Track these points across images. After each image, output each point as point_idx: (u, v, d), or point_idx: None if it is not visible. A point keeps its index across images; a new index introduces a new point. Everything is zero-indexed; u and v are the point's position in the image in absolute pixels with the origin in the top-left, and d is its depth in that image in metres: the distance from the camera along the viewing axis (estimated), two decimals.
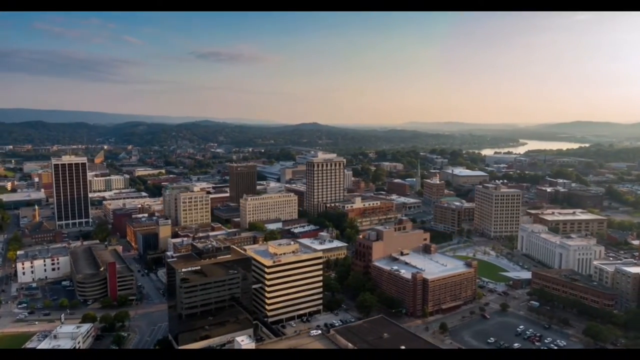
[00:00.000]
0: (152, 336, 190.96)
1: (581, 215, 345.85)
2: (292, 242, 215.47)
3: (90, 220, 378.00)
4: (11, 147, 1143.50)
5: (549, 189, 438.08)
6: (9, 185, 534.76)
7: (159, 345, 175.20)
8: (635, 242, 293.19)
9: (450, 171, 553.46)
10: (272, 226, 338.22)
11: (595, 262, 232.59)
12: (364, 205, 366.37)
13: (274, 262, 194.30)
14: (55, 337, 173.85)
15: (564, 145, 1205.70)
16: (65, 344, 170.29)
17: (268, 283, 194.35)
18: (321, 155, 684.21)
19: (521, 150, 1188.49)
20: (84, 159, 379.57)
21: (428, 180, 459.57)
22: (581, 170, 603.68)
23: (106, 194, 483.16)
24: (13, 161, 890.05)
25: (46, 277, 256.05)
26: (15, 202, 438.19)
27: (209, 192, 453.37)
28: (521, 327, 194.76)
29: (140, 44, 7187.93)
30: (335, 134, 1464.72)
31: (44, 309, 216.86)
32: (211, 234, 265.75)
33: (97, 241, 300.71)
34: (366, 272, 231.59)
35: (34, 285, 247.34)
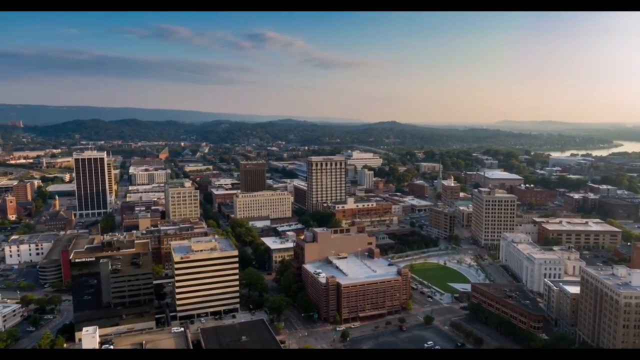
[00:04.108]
0: (72, 320, 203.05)
1: (593, 226, 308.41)
2: (213, 240, 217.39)
3: (109, 210, 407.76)
4: (103, 142, 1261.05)
5: (576, 196, 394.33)
6: (67, 177, 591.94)
7: (63, 330, 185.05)
8: None
9: (482, 173, 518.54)
10: (259, 223, 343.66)
11: (545, 279, 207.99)
12: (357, 206, 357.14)
13: (181, 258, 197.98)
14: None
15: None
16: None
17: (177, 278, 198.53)
18: (356, 155, 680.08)
19: (608, 152, 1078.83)
20: (102, 155, 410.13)
21: (444, 182, 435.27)
22: None
23: (141, 187, 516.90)
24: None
25: (31, 260, 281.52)
26: (58, 192, 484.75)
27: (229, 188, 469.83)
28: (430, 342, 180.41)
29: (252, 48, 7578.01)
30: (406, 133, 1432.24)
31: (6, 288, 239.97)
32: (163, 228, 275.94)
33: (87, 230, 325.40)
34: (299, 273, 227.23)
35: (16, 267, 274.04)
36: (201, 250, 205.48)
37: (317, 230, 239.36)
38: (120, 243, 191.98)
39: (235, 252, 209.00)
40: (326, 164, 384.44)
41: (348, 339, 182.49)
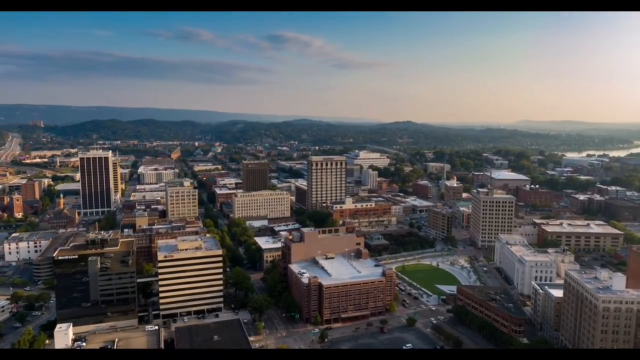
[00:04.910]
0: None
1: (595, 228, 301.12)
2: (199, 239, 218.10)
3: (112, 209, 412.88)
4: (119, 142, 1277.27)
5: (581, 197, 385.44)
6: (77, 176, 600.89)
7: (46, 327, 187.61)
8: None
9: (489, 173, 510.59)
10: (257, 223, 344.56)
11: (532, 282, 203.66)
12: (355, 206, 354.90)
13: (165, 256, 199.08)
14: None
15: None
16: None
17: (160, 276, 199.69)
18: (363, 155, 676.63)
19: (628, 152, 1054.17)
20: (107, 154, 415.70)
21: (447, 183, 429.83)
22: None
23: (148, 187, 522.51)
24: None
25: (29, 257, 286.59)
26: (66, 190, 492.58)
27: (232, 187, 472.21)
28: (409, 345, 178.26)
29: (271, 49, 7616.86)
30: (420, 133, 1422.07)
31: (0, 285, 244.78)
32: (155, 226, 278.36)
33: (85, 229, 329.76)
34: (285, 273, 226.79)
35: (14, 264, 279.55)
36: (186, 249, 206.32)
37: (305, 230, 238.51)
38: (104, 241, 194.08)
39: (220, 252, 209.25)
40: (326, 164, 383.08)
41: (326, 340, 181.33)
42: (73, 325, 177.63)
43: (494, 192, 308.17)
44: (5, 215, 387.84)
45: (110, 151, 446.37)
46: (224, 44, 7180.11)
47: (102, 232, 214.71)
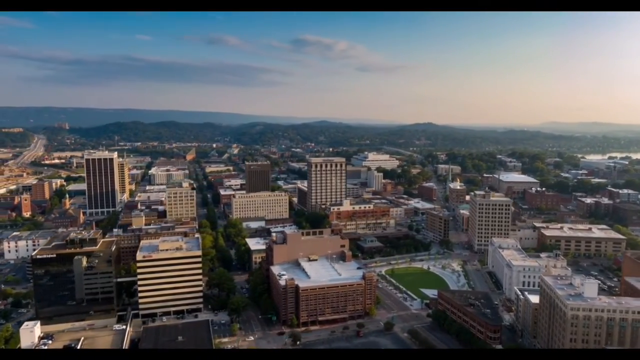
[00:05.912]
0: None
1: (597, 233, 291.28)
2: (180, 239, 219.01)
3: (117, 209, 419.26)
4: (139, 143, 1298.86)
5: (587, 201, 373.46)
6: None
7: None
8: None
9: (497, 176, 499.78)
10: (254, 224, 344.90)
11: (514, 287, 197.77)
12: (352, 208, 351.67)
13: (143, 257, 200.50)
14: None
15: None
16: None
17: (139, 276, 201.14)
18: (372, 156, 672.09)
19: None
20: (113, 155, 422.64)
21: (450, 185, 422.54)
22: None
23: (157, 187, 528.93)
24: (131, 155, 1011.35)
25: (28, 256, 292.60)
26: (77, 191, 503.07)
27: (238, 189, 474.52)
28: None
29: (294, 52, 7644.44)
30: (438, 134, 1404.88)
31: None
32: (144, 227, 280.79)
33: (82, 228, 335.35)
34: (267, 275, 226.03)
35: (12, 262, 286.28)
36: (167, 250, 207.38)
37: (288, 231, 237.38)
38: (83, 241, 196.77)
39: (199, 253, 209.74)
40: (326, 165, 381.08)
41: (299, 343, 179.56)
42: (53, 324, 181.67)
43: (491, 194, 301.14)
44: (14, 214, 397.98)
45: (116, 152, 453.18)
46: (248, 48, 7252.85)
47: (83, 232, 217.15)
